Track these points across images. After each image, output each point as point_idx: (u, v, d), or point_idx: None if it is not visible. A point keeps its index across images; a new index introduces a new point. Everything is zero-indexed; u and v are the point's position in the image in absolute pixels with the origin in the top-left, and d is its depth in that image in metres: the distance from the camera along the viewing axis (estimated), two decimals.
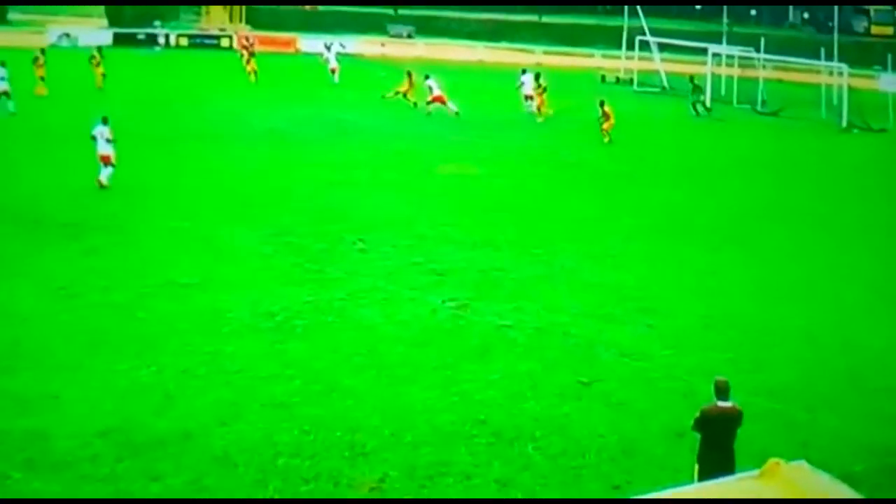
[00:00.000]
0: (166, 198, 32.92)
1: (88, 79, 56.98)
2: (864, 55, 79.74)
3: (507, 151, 44.70)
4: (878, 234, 32.79)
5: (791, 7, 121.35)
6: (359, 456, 16.50)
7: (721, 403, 14.44)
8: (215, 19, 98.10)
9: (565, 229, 31.53)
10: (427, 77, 55.59)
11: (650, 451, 17.13)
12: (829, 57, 65.18)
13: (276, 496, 15.35)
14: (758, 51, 67.89)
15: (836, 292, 26.57)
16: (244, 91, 60.39)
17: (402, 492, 15.59)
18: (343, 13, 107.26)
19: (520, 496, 15.66)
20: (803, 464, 12.07)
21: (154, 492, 15.26)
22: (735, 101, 64.56)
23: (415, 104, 55.02)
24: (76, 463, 15.97)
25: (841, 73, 62.84)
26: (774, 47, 70.17)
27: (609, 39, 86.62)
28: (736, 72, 67.87)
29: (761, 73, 67.29)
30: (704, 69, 66.18)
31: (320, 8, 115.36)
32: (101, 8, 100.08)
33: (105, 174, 33.76)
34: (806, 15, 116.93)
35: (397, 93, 56.14)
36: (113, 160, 33.86)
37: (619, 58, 78.77)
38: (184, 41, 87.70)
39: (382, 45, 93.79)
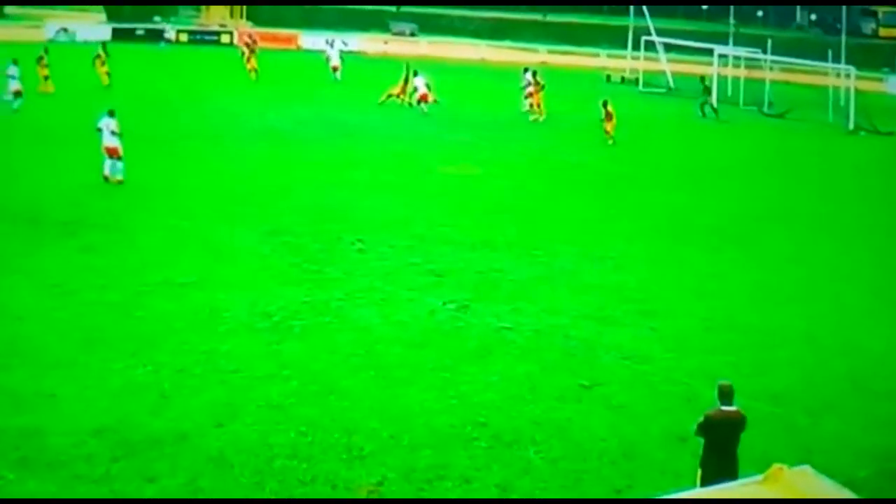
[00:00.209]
0: (164, 196, 32.75)
1: (89, 75, 56.72)
2: (871, 57, 79.67)
3: (508, 152, 44.57)
4: (881, 237, 32.67)
5: (798, 8, 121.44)
6: (356, 458, 16.32)
7: (725, 408, 14.31)
8: (215, 15, 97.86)
9: (565, 231, 31.38)
10: (416, 74, 55.51)
11: (651, 456, 16.96)
12: (837, 59, 65.11)
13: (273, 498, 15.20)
14: (765, 52, 67.77)
15: (838, 295, 26.46)
16: (244, 89, 60.23)
17: (401, 495, 15.42)
18: (345, 10, 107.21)
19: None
20: (807, 469, 11.97)
21: (150, 493, 15.09)
22: (741, 102, 64.45)
23: (410, 104, 54.84)
24: (71, 462, 15.79)
25: (848, 76, 62.85)
26: (781, 49, 70.03)
27: (614, 39, 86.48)
28: (742, 73, 67.83)
29: (768, 75, 67.13)
30: (711, 70, 66.05)
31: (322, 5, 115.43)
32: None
33: (114, 168, 33.74)
34: (813, 16, 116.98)
35: (389, 96, 55.90)
36: (120, 153, 33.75)
37: (624, 57, 78.66)
38: (184, 37, 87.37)
39: (385, 42, 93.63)
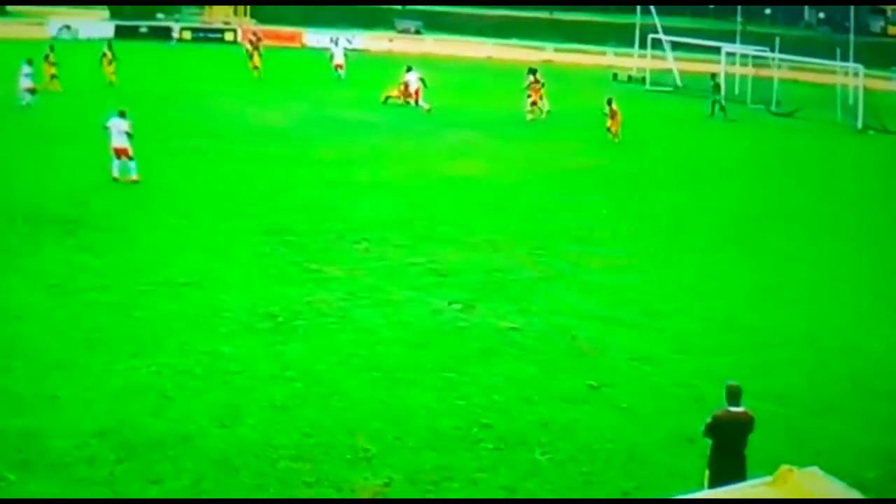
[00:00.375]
0: (164, 195, 32.60)
1: (93, 74, 56.42)
2: (880, 56, 78.99)
3: (512, 151, 44.40)
4: (884, 237, 32.47)
5: (806, 6, 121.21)
6: (361, 460, 16.16)
7: (733, 409, 14.23)
8: (219, 13, 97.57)
9: (570, 230, 31.16)
10: (409, 70, 55.39)
11: (659, 457, 16.83)
12: (845, 57, 64.83)
13: None
14: (772, 50, 67.52)
15: (842, 295, 26.27)
16: (246, 87, 60.05)
17: (407, 497, 15.26)
18: (350, 8, 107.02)
19: None
20: (816, 470, 11.90)
21: (152, 495, 14.95)
22: (749, 101, 64.19)
23: (408, 103, 54.74)
24: (74, 464, 15.66)
25: (857, 74, 62.56)
26: (789, 47, 69.73)
27: (621, 37, 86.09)
28: (750, 71, 67.56)
29: (776, 73, 66.81)
30: (718, 68, 65.84)
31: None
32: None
33: (126, 167, 33.62)
34: (822, 15, 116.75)
35: (388, 97, 55.72)
36: (130, 153, 33.62)
37: (631, 56, 78.28)
38: (187, 35, 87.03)
39: (390, 40, 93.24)
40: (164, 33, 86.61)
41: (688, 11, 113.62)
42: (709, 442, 14.26)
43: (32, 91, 47.50)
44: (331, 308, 23.03)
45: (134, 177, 33.53)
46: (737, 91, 65.48)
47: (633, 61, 77.42)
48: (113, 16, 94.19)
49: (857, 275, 28.29)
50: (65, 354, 19.76)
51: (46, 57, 52.90)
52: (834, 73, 67.04)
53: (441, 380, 19.42)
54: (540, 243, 29.48)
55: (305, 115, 50.95)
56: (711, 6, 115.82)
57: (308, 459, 16.10)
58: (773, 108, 63.27)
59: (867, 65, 63.88)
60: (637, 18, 76.49)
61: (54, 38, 75.79)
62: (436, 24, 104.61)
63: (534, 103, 53.32)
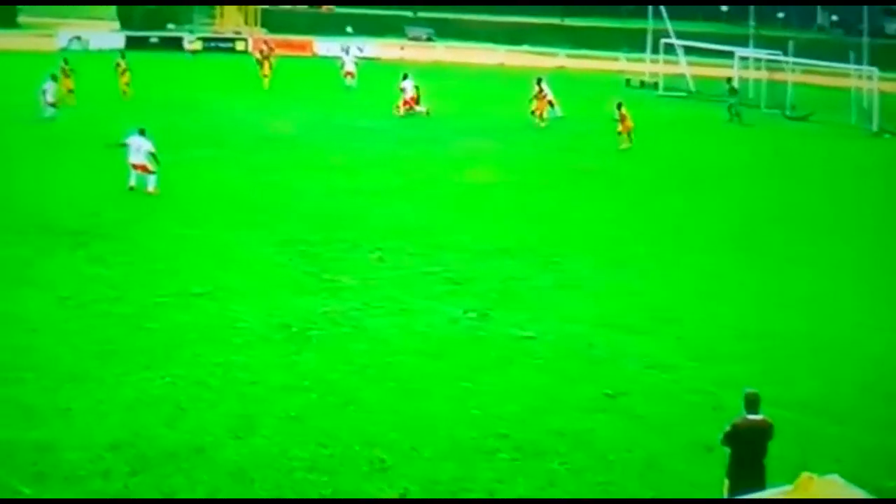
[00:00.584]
0: (177, 205, 32.54)
1: (105, 85, 56.34)
2: (895, 58, 78.90)
3: (524, 157, 44.32)
4: None
5: (819, 9, 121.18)
6: (377, 471, 16.02)
7: (751, 416, 14.11)
8: (230, 22, 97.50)
9: (585, 237, 31.11)
10: (405, 77, 55.39)
11: (677, 466, 16.65)
12: (860, 60, 64.71)
13: None
14: (786, 54, 67.32)
15: (862, 301, 26.08)
16: (257, 97, 60.03)
17: None
18: (360, 15, 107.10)
19: None
20: (836, 478, 11.81)
21: None
22: (763, 105, 63.96)
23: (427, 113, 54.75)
24: (88, 478, 15.53)
25: (871, 77, 62.37)
26: (803, 50, 69.58)
27: (633, 42, 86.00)
28: (764, 75, 67.44)
29: (790, 77, 66.62)
30: (732, 73, 65.60)
31: (336, 10, 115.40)
32: (113, 10, 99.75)
33: (146, 180, 33.56)
34: (835, 17, 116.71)
35: (407, 107, 55.57)
36: (150, 169, 33.59)
37: (643, 61, 78.11)
38: (198, 45, 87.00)
39: (401, 48, 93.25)
40: (174, 44, 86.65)
41: (700, 16, 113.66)
42: (728, 451, 14.11)
43: (54, 104, 47.38)
44: (345, 318, 22.89)
45: (151, 188, 33.43)
46: (751, 95, 65.28)
47: (645, 66, 77.29)
48: (123, 26, 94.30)
49: (879, 280, 28.14)
50: (78, 366, 19.63)
51: (63, 70, 52.66)
52: (848, 76, 66.88)
53: (457, 389, 19.27)
54: (554, 250, 29.35)
55: (317, 123, 50.92)
56: (724, 7, 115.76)
57: (324, 471, 15.96)
58: (787, 112, 63.07)
59: (882, 67, 63.70)
60: (649, 24, 76.30)
61: (64, 50, 75.80)
62: (447, 32, 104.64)
63: (533, 112, 53.04)
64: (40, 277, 24.97)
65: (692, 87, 71.96)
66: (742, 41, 73.50)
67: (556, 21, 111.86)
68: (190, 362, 20.03)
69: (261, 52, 69.39)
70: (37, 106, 47.15)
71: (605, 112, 50.51)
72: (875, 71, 62.07)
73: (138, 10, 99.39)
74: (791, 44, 67.97)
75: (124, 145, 33.75)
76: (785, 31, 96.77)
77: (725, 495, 13.87)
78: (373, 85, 63.88)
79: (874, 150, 52.89)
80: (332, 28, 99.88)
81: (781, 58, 67.94)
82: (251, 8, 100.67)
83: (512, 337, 22.10)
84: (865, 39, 65.91)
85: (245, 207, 32.76)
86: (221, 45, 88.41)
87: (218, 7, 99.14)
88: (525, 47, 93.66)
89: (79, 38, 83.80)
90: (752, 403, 14.11)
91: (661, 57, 74.33)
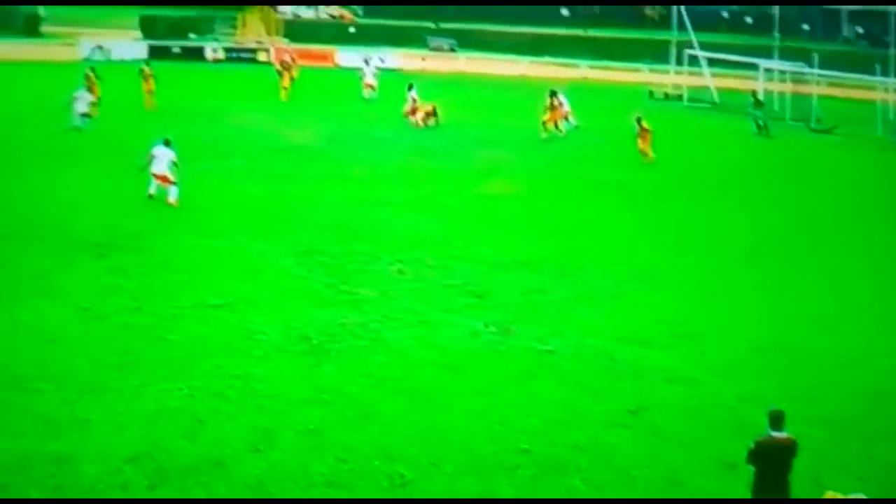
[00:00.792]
0: (196, 216, 32.49)
1: (127, 94, 56.21)
2: None
3: (544, 168, 44.16)
4: None
5: (845, 21, 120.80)
6: (397, 486, 15.93)
7: (775, 434, 14.00)
8: (251, 32, 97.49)
9: (607, 249, 30.94)
10: (410, 88, 55.37)
11: (700, 484, 16.51)
12: (886, 72, 64.35)
13: None
14: (810, 66, 66.98)
15: (889, 315, 25.84)
16: (278, 107, 59.98)
17: None
18: (382, 26, 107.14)
19: None
20: (861, 497, 11.68)
21: None
22: (788, 117, 63.62)
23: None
24: (107, 490, 15.50)
25: None
26: (828, 62, 69.17)
27: (656, 53, 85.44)
28: (788, 87, 67.09)
29: (814, 89, 66.24)
30: (756, 85, 65.33)
31: (359, 21, 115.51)
32: (135, 19, 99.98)
33: (167, 191, 33.55)
34: (860, 29, 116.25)
35: (425, 122, 55.47)
36: (172, 179, 33.58)
37: (667, 72, 77.83)
38: (220, 54, 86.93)
39: (423, 59, 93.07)
40: (196, 54, 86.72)
41: (724, 27, 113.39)
42: (752, 468, 13.98)
43: (87, 115, 47.43)
44: (365, 330, 22.80)
45: (172, 199, 33.40)
46: (776, 107, 64.98)
47: (668, 78, 76.99)
48: (145, 36, 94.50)
49: None
50: (97, 378, 19.59)
51: (88, 79, 52.59)
52: (874, 88, 66.57)
53: (478, 403, 19.16)
54: (575, 262, 29.22)
55: (337, 134, 50.83)
56: (749, 19, 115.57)
57: (343, 485, 15.87)
58: (812, 124, 62.72)
59: None
60: (673, 35, 76.10)
61: (87, 60, 75.89)
62: (469, 43, 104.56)
63: (544, 123, 52.74)
64: (60, 288, 24.95)
65: (716, 98, 71.68)
66: (767, 53, 73.18)
67: (578, 32, 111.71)
68: (209, 374, 19.96)
69: (281, 62, 69.27)
70: (65, 114, 47.16)
71: (627, 124, 50.27)
72: None
73: (161, 20, 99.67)
74: (816, 56, 67.59)
75: (150, 159, 33.70)
76: (810, 42, 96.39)
77: None
78: (393, 96, 63.74)
79: None
80: (355, 39, 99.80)
81: (806, 70, 67.58)
82: (273, 18, 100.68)
83: (533, 350, 21.98)
84: (892, 51, 65.50)
85: (265, 218, 32.70)
86: (243, 55, 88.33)
87: (239, 17, 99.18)
88: (547, 58, 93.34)
89: (101, 47, 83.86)
90: (776, 421, 14.01)
91: (685, 68, 74.08)
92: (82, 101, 47.63)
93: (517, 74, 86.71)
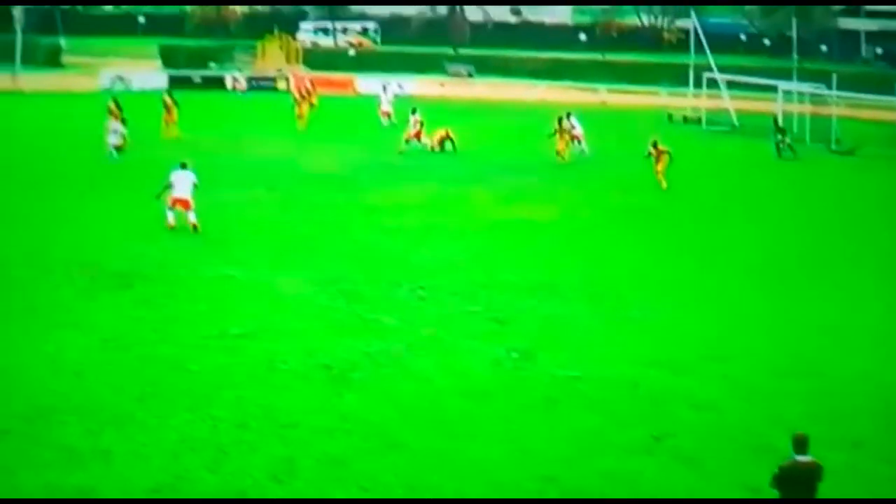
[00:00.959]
0: (219, 246, 32.52)
1: (147, 124, 56.10)
2: None
3: (565, 194, 44.01)
4: None
5: (863, 42, 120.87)
6: None
7: (800, 458, 13.89)
8: (271, 60, 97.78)
9: (630, 274, 30.80)
10: (414, 112, 55.42)
11: None
12: None
13: None
14: (829, 87, 66.80)
15: None
16: (296, 135, 60.02)
17: None
18: (401, 53, 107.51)
19: None
20: None
21: None
22: (808, 139, 63.36)
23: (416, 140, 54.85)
24: None
25: None
26: (847, 83, 68.97)
27: (675, 77, 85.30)
28: (808, 109, 66.83)
29: (834, 111, 66.01)
30: (775, 107, 65.17)
31: (378, 48, 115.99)
32: (155, 49, 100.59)
33: (186, 215, 33.65)
34: (879, 50, 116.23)
35: (439, 143, 55.34)
36: (192, 205, 33.71)
37: (685, 96, 77.70)
38: (240, 83, 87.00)
39: (442, 85, 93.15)
40: (217, 83, 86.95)
41: (742, 49, 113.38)
42: (777, 493, 13.88)
43: (119, 147, 47.53)
44: (388, 358, 22.74)
45: (193, 220, 33.57)
46: (795, 129, 64.77)
47: (687, 101, 76.83)
48: (166, 66, 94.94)
49: None
50: (120, 409, 19.58)
51: (111, 111, 52.36)
52: (894, 109, 66.30)
53: (501, 431, 19.08)
54: (596, 288, 29.14)
55: (357, 161, 50.81)
56: (767, 42, 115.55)
57: None
58: (833, 146, 62.48)
59: None
60: (691, 58, 75.99)
61: (108, 90, 76.17)
62: (487, 68, 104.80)
63: (559, 151, 52.42)
64: (83, 319, 24.98)
65: (735, 121, 71.52)
66: (785, 75, 73.00)
67: (597, 56, 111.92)
68: (232, 404, 19.94)
69: (299, 90, 69.35)
70: (87, 144, 47.33)
71: (646, 148, 50.14)
72: None
73: (181, 49, 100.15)
74: (835, 77, 67.42)
75: (168, 186, 33.81)
76: (828, 64, 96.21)
77: None
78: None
79: None
80: (374, 66, 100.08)
81: (825, 91, 67.40)
82: (292, 46, 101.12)
83: (557, 377, 21.87)
84: None
85: (286, 247, 32.73)
86: (263, 83, 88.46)
87: (259, 46, 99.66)
88: (566, 83, 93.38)
89: (121, 77, 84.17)
90: (800, 445, 13.93)
91: (704, 91, 73.95)
92: (115, 134, 47.76)
93: (536, 99, 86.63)
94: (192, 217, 33.62)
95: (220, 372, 21.64)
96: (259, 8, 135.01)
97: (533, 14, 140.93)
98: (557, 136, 52.47)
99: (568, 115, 54.04)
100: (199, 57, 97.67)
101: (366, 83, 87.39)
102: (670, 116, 75.73)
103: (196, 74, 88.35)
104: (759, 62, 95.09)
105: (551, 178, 47.74)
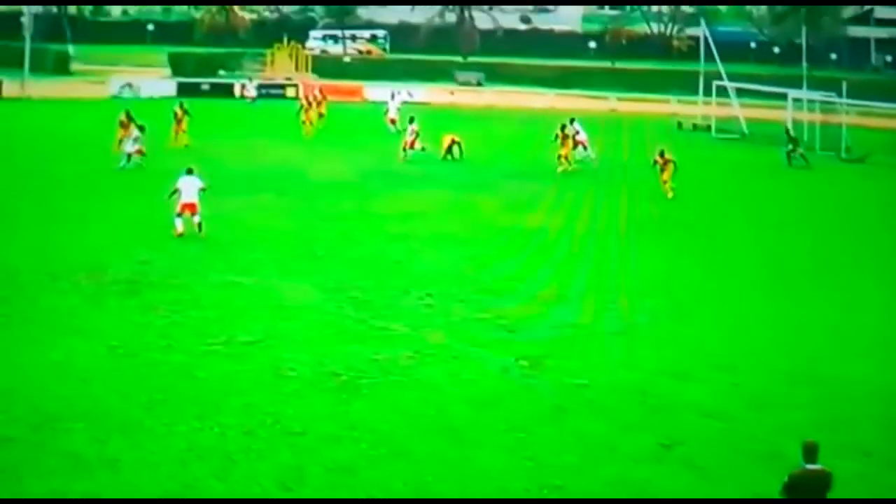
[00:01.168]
0: (227, 253, 32.49)
1: (155, 131, 56.00)
2: None
3: (574, 201, 44.06)
4: None
5: (873, 50, 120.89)
6: None
7: (810, 467, 13.82)
8: (280, 68, 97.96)
9: (638, 282, 30.73)
10: (412, 121, 55.37)
11: None
12: None
13: None
14: (839, 95, 66.71)
15: None
16: (304, 142, 60.06)
17: None
18: (410, 61, 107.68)
19: None
20: None
21: None
22: (818, 147, 63.26)
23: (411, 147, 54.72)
24: None
25: None
26: (857, 91, 68.94)
27: (685, 85, 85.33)
28: (818, 117, 66.76)
29: (844, 119, 65.95)
30: (784, 115, 65.08)
31: (388, 56, 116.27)
32: (164, 57, 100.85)
33: (192, 220, 33.76)
34: (889, 58, 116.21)
35: (446, 152, 55.19)
36: (198, 208, 33.87)
37: (695, 103, 77.69)
38: (249, 91, 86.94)
39: (451, 93, 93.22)
40: (225, 90, 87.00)
41: (752, 57, 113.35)
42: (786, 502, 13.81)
43: (139, 153, 47.52)
44: (396, 366, 22.68)
45: (198, 220, 33.81)
46: (805, 138, 64.72)
47: (697, 109, 76.83)
48: (175, 73, 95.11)
49: None
50: (127, 416, 19.50)
51: (122, 122, 52.03)
52: None
53: (510, 439, 19.00)
54: (606, 296, 29.08)
55: (365, 169, 50.84)
56: (777, 49, 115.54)
57: None
58: (843, 154, 62.38)
59: None
60: (701, 66, 76.00)
61: (116, 97, 76.28)
62: (497, 76, 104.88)
63: (566, 156, 52.15)
64: (90, 326, 24.92)
65: (745, 129, 71.46)
66: (795, 83, 73.00)
67: (606, 64, 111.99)
68: (240, 412, 19.86)
69: (306, 98, 69.40)
70: (94, 151, 47.31)
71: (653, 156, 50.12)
72: None
73: (190, 57, 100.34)
74: (844, 85, 67.33)
75: (176, 191, 33.84)
76: (838, 72, 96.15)
77: None
78: (422, 130, 63.80)
79: None
80: (384, 74, 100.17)
81: (835, 99, 67.34)
82: (301, 54, 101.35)
83: (565, 385, 21.81)
84: None
85: (294, 254, 32.71)
86: (272, 91, 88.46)
87: (268, 53, 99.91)
88: (575, 91, 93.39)
89: (130, 85, 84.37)
90: (810, 453, 13.86)
91: (714, 99, 73.92)
92: (133, 141, 47.74)
93: (545, 107, 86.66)
94: (197, 218, 33.69)
95: (227, 379, 21.57)
96: (268, 15, 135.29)
97: (542, 22, 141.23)
98: (560, 141, 52.38)
99: (571, 121, 54.04)
100: (208, 65, 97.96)
101: (375, 91, 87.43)
102: (680, 124, 75.74)
103: (205, 82, 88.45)
104: (768, 70, 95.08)
105: (560, 186, 47.74)
